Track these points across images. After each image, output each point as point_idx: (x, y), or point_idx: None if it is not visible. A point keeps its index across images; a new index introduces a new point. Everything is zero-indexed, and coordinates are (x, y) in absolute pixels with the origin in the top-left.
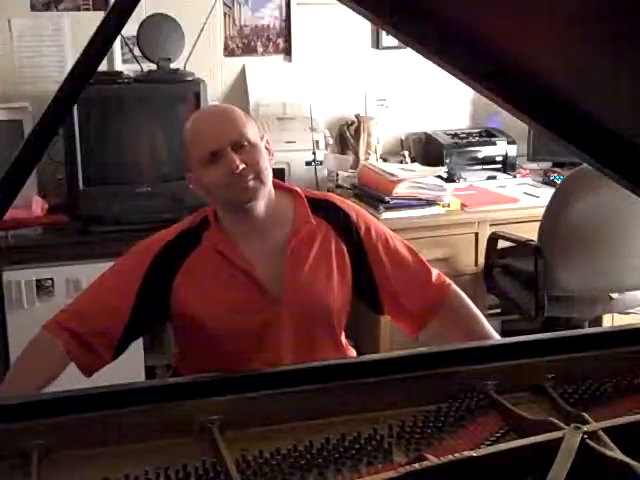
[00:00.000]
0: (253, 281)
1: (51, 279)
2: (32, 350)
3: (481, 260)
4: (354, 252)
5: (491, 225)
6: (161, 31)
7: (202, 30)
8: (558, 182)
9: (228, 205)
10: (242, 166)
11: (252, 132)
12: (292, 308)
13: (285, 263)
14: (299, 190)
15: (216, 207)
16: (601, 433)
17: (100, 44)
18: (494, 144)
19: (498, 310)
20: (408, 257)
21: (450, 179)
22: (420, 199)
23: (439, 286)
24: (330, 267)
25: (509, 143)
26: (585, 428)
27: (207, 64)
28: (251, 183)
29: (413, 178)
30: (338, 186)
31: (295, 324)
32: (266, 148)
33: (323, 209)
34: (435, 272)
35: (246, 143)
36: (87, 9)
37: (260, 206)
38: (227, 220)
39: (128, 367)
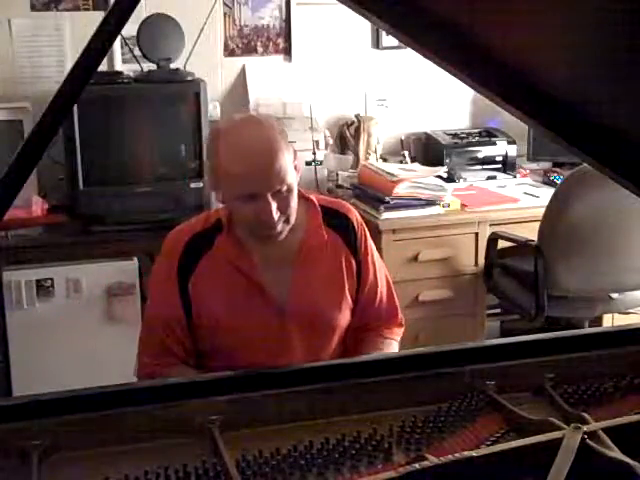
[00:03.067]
0: (260, 290)
1: (51, 279)
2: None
3: (481, 260)
4: (358, 267)
5: (491, 225)
6: (161, 31)
7: (202, 30)
8: (558, 182)
9: (248, 231)
10: (277, 215)
11: (291, 172)
12: (298, 320)
13: (293, 275)
14: (314, 199)
15: (235, 221)
16: (601, 433)
17: (100, 44)
18: (494, 144)
19: (498, 310)
20: (382, 295)
21: (450, 179)
22: (420, 199)
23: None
24: (339, 281)
25: (509, 143)
26: (585, 428)
27: (207, 64)
28: (279, 227)
29: (413, 178)
30: (338, 186)
31: (301, 336)
32: (295, 167)
33: (336, 220)
34: (400, 316)
35: (285, 188)
36: (87, 9)
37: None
38: (241, 230)
39: (128, 367)
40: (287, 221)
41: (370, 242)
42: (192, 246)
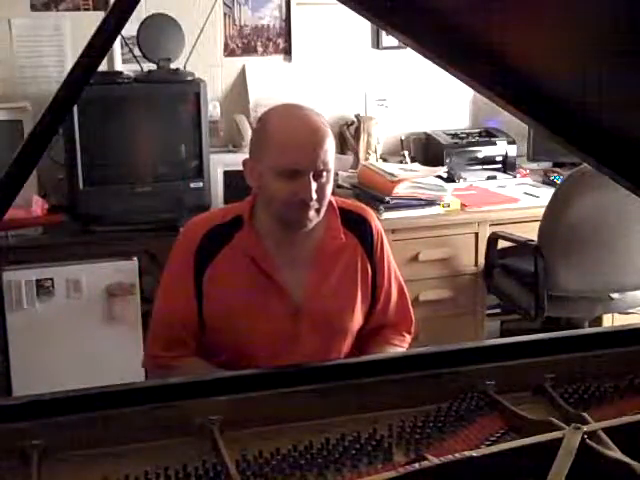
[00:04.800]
0: (278, 288)
1: (51, 279)
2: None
3: (481, 260)
4: (373, 271)
5: (491, 225)
6: (161, 31)
7: (202, 30)
8: (558, 182)
9: (276, 217)
10: (315, 197)
11: (332, 161)
12: (311, 320)
13: (309, 275)
14: (333, 201)
15: (259, 206)
16: (601, 433)
17: (100, 44)
18: (494, 144)
19: (498, 310)
20: (393, 301)
21: (450, 179)
22: (420, 199)
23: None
24: (354, 284)
25: (509, 143)
26: (585, 428)
27: (207, 64)
28: (311, 213)
29: (413, 178)
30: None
31: (312, 336)
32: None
33: (354, 223)
34: (411, 324)
35: (325, 174)
36: (87, 9)
37: (305, 231)
38: (263, 222)
39: (128, 367)
40: (318, 212)
41: (387, 247)
42: (210, 238)
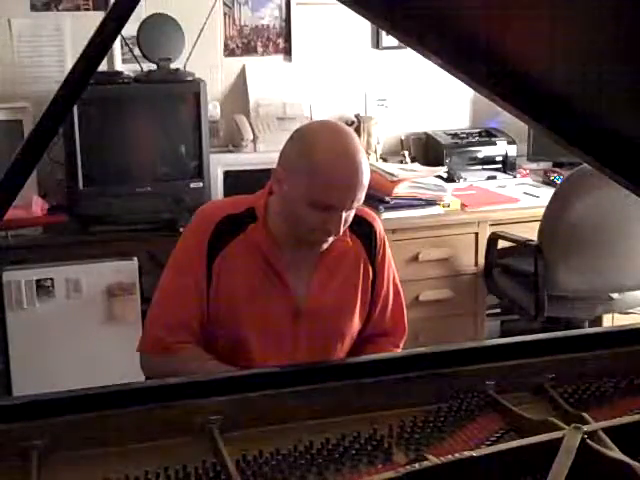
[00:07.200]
0: (283, 286)
1: (51, 279)
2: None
3: (481, 260)
4: (374, 276)
5: (491, 225)
6: (161, 31)
7: (202, 30)
8: (558, 182)
9: (294, 231)
10: (340, 230)
11: (365, 190)
12: (310, 321)
13: (313, 276)
14: None
15: (274, 207)
16: (601, 433)
17: (100, 44)
18: (494, 144)
19: (498, 310)
20: (390, 308)
21: (450, 179)
22: (420, 199)
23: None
24: (355, 288)
25: (509, 143)
26: (585, 428)
27: (207, 64)
28: (330, 239)
29: (413, 178)
30: None
31: (311, 337)
32: None
33: (360, 227)
34: (404, 333)
35: (355, 205)
36: (87, 9)
37: None
38: (276, 222)
39: (128, 367)
40: (337, 235)
41: (388, 253)
42: (224, 226)
